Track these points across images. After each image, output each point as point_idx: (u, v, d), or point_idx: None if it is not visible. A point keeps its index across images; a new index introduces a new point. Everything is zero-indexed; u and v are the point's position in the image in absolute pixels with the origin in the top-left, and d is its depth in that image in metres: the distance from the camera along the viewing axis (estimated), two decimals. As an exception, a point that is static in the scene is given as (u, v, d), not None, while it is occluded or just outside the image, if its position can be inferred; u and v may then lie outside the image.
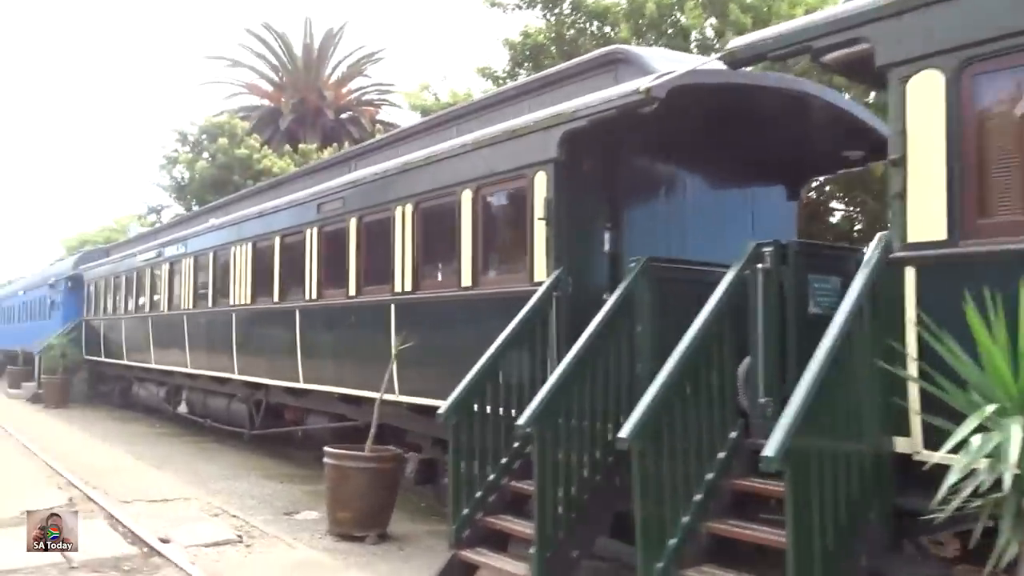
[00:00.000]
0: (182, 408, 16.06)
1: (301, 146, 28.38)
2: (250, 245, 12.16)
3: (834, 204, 13.75)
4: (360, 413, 9.68)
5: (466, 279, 7.53)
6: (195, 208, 24.29)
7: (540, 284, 6.55)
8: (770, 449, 3.70)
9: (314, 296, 10.17)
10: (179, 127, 28.27)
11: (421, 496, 9.17)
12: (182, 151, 28.00)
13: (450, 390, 7.59)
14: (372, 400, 8.98)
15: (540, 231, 6.68)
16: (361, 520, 7.32)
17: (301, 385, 10.46)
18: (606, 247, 7.00)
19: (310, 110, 36.18)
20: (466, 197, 7.57)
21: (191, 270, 14.64)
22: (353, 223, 9.40)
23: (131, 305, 18.30)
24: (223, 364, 12.89)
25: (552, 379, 5.36)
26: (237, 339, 12.39)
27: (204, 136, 27.40)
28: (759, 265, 5.12)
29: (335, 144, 29.41)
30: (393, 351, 7.86)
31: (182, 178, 27.72)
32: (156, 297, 16.66)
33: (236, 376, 12.49)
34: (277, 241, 11.27)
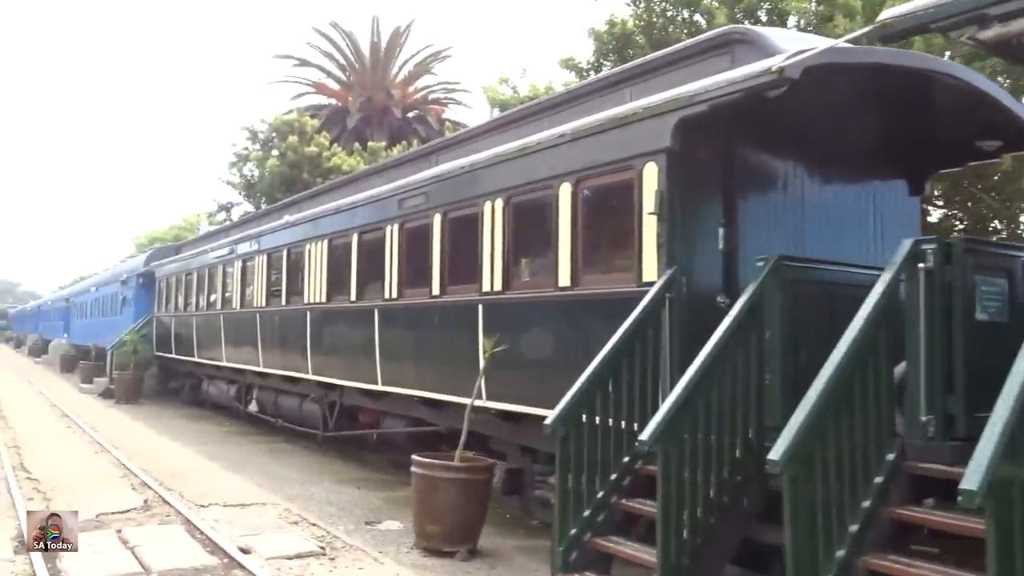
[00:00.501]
0: (252, 407, 15.89)
1: (370, 144, 28.26)
2: (326, 242, 11.85)
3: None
4: (441, 418, 9.27)
5: (564, 279, 7.02)
6: (264, 206, 24.29)
7: (650, 284, 6.02)
8: (971, 482, 3.12)
9: (394, 295, 9.78)
10: (249, 125, 28.42)
11: (505, 506, 8.70)
12: (252, 149, 28.09)
13: (543, 397, 7.14)
14: (454, 404, 8.59)
15: (650, 227, 6.14)
16: (450, 534, 6.86)
17: (379, 387, 10.07)
18: (720, 244, 6.41)
19: (377, 109, 36.20)
20: (564, 191, 7.07)
21: (264, 267, 14.43)
22: (437, 219, 8.98)
23: (202, 302, 18.25)
24: (296, 363, 12.62)
25: (676, 391, 4.82)
26: (311, 338, 12.10)
27: (274, 134, 27.44)
28: (920, 265, 4.50)
29: (403, 142, 29.24)
30: (482, 354, 7.42)
31: (252, 176, 27.81)
32: (228, 294, 16.55)
33: (310, 376, 12.19)
34: (355, 238, 10.93)
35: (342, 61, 40.14)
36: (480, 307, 8.07)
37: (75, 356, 32.19)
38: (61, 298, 47.01)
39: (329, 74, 39.95)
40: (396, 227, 9.85)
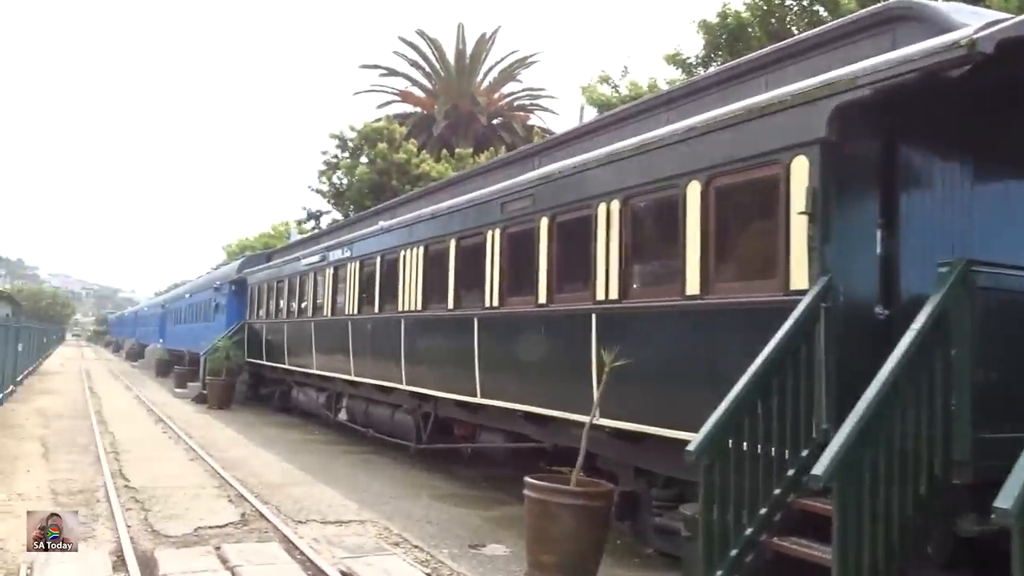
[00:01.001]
0: (342, 416, 15.64)
1: (458, 150, 28.04)
2: (422, 248, 11.44)
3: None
4: (545, 434, 8.71)
5: (692, 286, 6.36)
6: (352, 213, 24.21)
7: (799, 293, 5.33)
8: None
9: (495, 303, 9.26)
10: (339, 133, 28.50)
11: (615, 532, 8.03)
12: (342, 157, 28.17)
13: (664, 416, 6.51)
14: (560, 421, 8.04)
15: (800, 229, 5.45)
16: (566, 566, 6.26)
17: (478, 400, 9.57)
18: (878, 248, 5.66)
19: (463, 116, 36.06)
20: (693, 189, 6.41)
21: (356, 274, 14.14)
22: (544, 223, 8.42)
23: (293, 309, 18.16)
24: (389, 373, 12.24)
25: (853, 418, 4.12)
26: (405, 347, 11.69)
27: (363, 142, 27.44)
28: None
29: (490, 149, 28.90)
30: (595, 367, 6.82)
31: (340, 184, 27.87)
32: (319, 301, 16.37)
33: (403, 386, 11.79)
34: (453, 244, 10.47)
35: (428, 69, 40.21)
36: (593, 317, 7.46)
37: (170, 361, 32.88)
38: (157, 304, 48.37)
39: (415, 82, 40.09)
40: (498, 232, 9.34)
